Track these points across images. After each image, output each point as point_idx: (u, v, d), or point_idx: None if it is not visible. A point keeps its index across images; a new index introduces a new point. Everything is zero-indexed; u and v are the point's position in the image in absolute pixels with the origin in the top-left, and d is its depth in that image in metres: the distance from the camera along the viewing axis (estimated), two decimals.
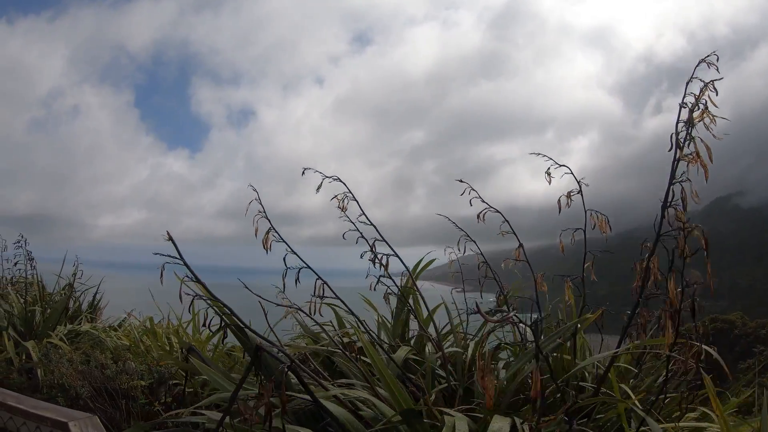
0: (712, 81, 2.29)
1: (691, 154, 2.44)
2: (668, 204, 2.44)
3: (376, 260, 2.94)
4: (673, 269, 2.14)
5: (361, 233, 3.01)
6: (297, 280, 2.62)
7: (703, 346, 2.31)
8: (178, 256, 2.05)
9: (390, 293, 3.06)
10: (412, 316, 3.63)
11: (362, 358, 2.72)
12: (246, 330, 2.25)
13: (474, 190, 3.22)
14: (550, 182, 2.95)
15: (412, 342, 3.52)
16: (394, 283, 3.11)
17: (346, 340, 3.31)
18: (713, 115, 2.29)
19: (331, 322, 3.61)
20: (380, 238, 2.98)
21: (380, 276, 3.09)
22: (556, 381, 2.79)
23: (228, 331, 2.47)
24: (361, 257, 3.07)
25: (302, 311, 2.66)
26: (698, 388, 2.66)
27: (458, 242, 3.17)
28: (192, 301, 2.05)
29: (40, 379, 3.57)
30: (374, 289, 3.04)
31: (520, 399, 2.70)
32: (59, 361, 3.56)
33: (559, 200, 3.00)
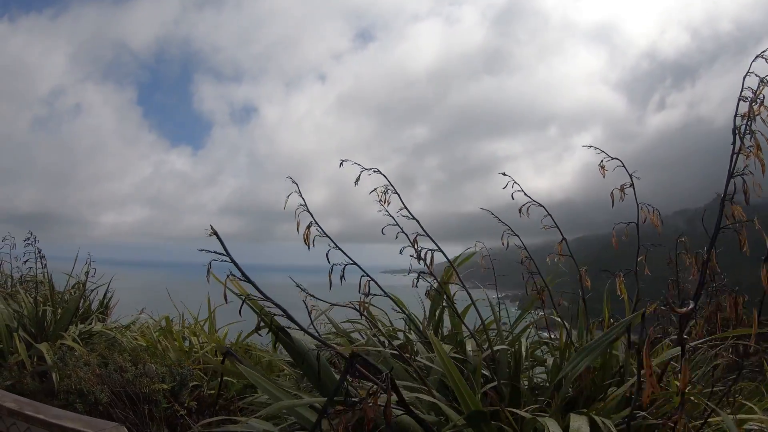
0: None
1: (749, 147, 2.26)
2: (728, 197, 2.24)
3: (420, 257, 2.69)
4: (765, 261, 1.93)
5: (401, 228, 2.76)
6: (342, 277, 2.36)
7: None
8: (224, 252, 1.78)
9: (432, 289, 2.81)
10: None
11: (416, 359, 2.48)
12: (304, 333, 1.98)
13: (516, 183, 2.99)
14: (604, 175, 2.73)
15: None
16: (435, 279, 2.87)
17: (382, 338, 3.06)
18: None
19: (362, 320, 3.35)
20: (423, 233, 2.73)
21: (420, 272, 2.85)
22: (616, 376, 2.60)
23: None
24: (401, 253, 2.82)
25: (354, 308, 2.40)
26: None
27: (502, 236, 2.93)
28: (242, 303, 1.79)
29: (56, 384, 3.27)
30: (416, 286, 2.79)
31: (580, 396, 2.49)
32: (76, 364, 3.26)
33: (612, 193, 2.80)
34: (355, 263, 2.40)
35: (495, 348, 2.69)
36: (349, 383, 2.22)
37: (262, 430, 1.84)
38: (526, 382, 2.89)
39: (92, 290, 5.05)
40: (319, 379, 1.86)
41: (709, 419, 2.33)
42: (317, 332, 2.71)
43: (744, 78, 2.25)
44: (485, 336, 2.92)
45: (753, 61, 2.22)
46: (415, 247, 2.77)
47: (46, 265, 4.24)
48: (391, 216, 2.77)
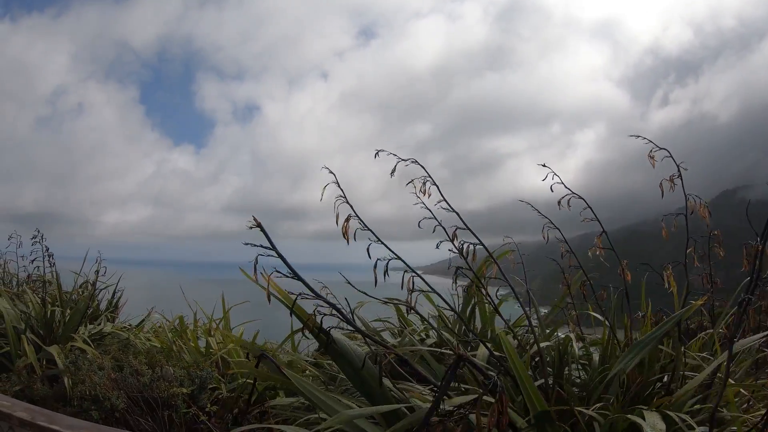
0: None
1: None
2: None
3: (462, 252, 2.45)
4: None
5: (439, 221, 2.53)
6: (386, 272, 2.12)
7: None
8: (270, 246, 1.53)
9: (473, 285, 2.58)
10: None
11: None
12: (368, 338, 1.74)
13: (556, 174, 2.78)
14: (654, 166, 2.52)
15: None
16: (475, 274, 2.64)
17: (416, 338, 2.83)
18: None
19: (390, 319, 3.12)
20: (463, 226, 2.50)
21: (458, 268, 2.61)
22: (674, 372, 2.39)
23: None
24: (437, 247, 2.58)
25: (403, 304, 2.17)
26: None
27: (543, 230, 2.71)
28: (295, 300, 1.54)
29: (68, 389, 2.99)
30: (455, 283, 2.55)
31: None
32: (90, 368, 2.99)
33: (661, 184, 2.60)
34: (400, 258, 2.17)
35: (541, 345, 2.47)
36: (395, 388, 1.98)
37: None
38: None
39: (100, 289, 4.76)
40: (381, 385, 1.62)
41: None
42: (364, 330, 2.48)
43: None
44: (526, 332, 2.71)
45: None
46: (455, 241, 2.54)
47: (54, 264, 3.95)
48: (428, 209, 2.54)
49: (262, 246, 1.54)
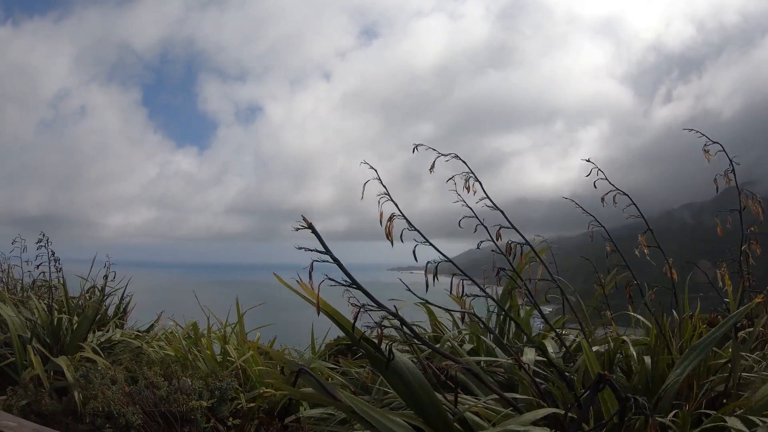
0: None
1: None
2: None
3: (507, 251, 2.20)
4: None
5: (480, 220, 2.28)
6: (435, 276, 1.86)
7: None
8: (324, 250, 1.27)
9: (522, 288, 2.34)
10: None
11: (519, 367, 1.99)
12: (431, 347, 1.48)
13: (601, 170, 2.55)
14: (709, 160, 2.30)
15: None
16: (519, 276, 2.39)
17: (447, 343, 2.57)
18: None
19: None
20: (508, 225, 2.25)
21: (500, 269, 2.36)
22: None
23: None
24: (478, 247, 2.33)
25: (462, 312, 1.91)
26: None
27: (588, 227, 2.48)
28: (358, 312, 1.29)
29: (79, 405, 2.70)
30: (498, 283, 2.31)
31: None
32: (102, 382, 2.70)
33: (715, 179, 2.38)
34: (449, 259, 1.91)
35: (593, 348, 2.23)
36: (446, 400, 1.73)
37: None
38: None
39: (108, 294, 4.45)
40: (456, 403, 1.37)
41: None
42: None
43: None
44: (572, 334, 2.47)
45: None
46: (497, 241, 2.29)
47: (61, 268, 3.65)
48: (469, 207, 2.29)
49: (316, 251, 1.28)
